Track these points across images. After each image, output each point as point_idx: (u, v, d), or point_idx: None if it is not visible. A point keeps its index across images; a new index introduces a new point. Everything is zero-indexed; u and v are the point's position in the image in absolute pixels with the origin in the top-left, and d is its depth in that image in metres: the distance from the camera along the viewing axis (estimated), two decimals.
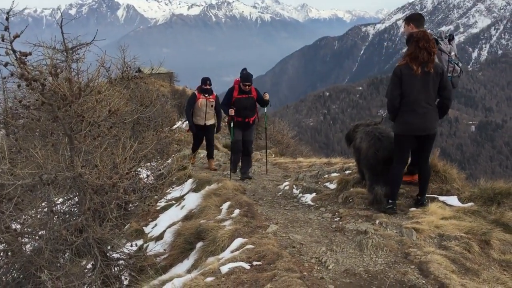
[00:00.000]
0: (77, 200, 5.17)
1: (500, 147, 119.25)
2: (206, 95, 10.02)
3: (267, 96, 8.95)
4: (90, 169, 4.58)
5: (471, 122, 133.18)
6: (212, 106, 10.11)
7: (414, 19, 6.16)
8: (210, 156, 10.86)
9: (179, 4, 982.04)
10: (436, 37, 5.88)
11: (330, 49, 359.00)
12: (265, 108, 9.33)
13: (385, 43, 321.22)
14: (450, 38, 6.00)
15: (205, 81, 10.07)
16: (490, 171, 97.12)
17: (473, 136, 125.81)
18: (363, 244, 4.39)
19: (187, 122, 11.47)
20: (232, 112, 8.66)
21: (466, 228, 4.61)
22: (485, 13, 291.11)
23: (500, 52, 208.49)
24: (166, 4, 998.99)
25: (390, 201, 5.53)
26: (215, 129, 10.47)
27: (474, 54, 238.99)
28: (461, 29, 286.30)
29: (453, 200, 5.62)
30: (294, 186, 7.97)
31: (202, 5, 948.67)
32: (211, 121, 10.25)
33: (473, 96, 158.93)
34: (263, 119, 9.90)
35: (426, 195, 5.70)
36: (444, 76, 5.34)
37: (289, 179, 9.03)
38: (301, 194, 7.40)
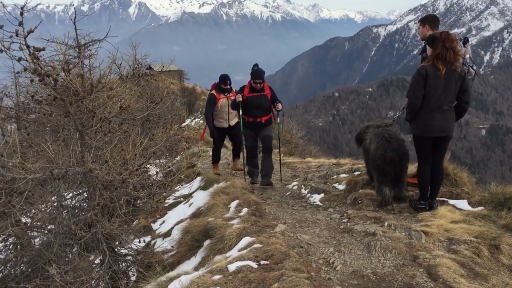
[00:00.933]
0: (86, 195, 5.20)
1: (511, 152, 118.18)
2: (227, 94, 8.96)
3: (279, 107, 7.98)
4: (100, 164, 4.61)
5: (481, 126, 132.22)
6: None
7: (430, 20, 6.17)
8: (236, 155, 9.98)
9: (191, 2, 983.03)
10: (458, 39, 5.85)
11: (341, 49, 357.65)
12: (278, 118, 8.31)
13: (396, 45, 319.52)
14: (465, 41, 5.97)
15: (225, 80, 8.95)
16: (500, 176, 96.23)
17: (484, 140, 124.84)
18: (371, 246, 4.38)
19: (204, 124, 10.50)
20: (239, 97, 7.95)
21: (476, 232, 4.57)
22: (498, 16, 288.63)
23: None
24: (178, 2, 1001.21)
25: (422, 201, 5.62)
26: (239, 128, 8.95)
27: (486, 57, 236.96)
28: (474, 32, 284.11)
29: (463, 204, 5.58)
30: (302, 186, 7.96)
31: (214, 4, 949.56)
32: (235, 121, 9.20)
33: (484, 99, 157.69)
34: (276, 126, 8.75)
35: (436, 198, 5.68)
36: (465, 79, 5.35)
37: (298, 179, 9.02)
38: (309, 194, 7.39)
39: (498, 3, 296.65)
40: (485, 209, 5.32)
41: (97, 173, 4.38)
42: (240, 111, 8.13)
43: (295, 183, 8.56)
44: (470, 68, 5.93)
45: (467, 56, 5.95)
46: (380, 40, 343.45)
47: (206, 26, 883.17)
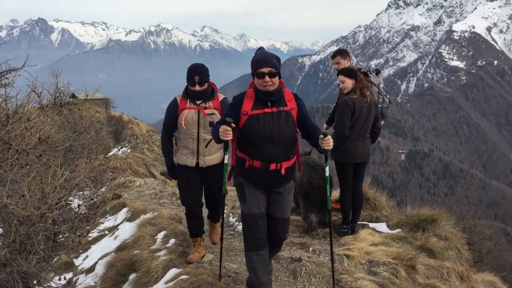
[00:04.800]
0: (1, 232, 4.90)
1: (427, 175, 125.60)
2: (200, 103, 4.84)
3: (329, 142, 3.82)
4: (16, 199, 4.38)
5: (401, 151, 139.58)
6: (212, 122, 4.78)
7: (347, 53, 6.56)
8: (214, 218, 5.56)
9: (117, 29, 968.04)
10: (366, 71, 6.23)
11: None
12: (326, 165, 4.46)
13: (321, 74, 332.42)
14: (377, 72, 6.39)
15: (192, 74, 4.76)
16: (419, 198, 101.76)
17: (403, 164, 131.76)
18: (297, 271, 4.48)
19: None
20: (226, 134, 3.82)
21: (394, 254, 4.82)
22: (412, 48, 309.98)
23: (426, 85, 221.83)
24: (103, 29, 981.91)
25: (344, 226, 5.82)
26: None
27: (403, 87, 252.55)
28: (391, 63, 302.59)
29: (382, 227, 5.88)
30: (230, 214, 7.97)
31: (141, 32, 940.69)
32: (214, 158, 4.93)
33: (403, 126, 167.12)
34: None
35: (358, 222, 5.93)
36: (377, 108, 5.74)
37: (226, 207, 9.02)
38: (237, 223, 7.42)
39: (412, 36, 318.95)
40: (402, 231, 5.64)
41: (13, 208, 4.16)
42: (229, 147, 4.23)
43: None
44: (384, 97, 6.35)
45: (381, 86, 6.37)
46: (306, 69, 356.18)
47: (133, 54, 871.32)
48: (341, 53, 6.53)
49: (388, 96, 6.42)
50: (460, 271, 4.72)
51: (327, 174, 4.38)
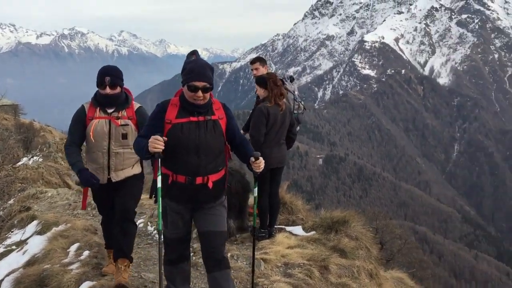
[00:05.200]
0: None
1: (343, 179, 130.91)
2: (111, 111, 4.39)
3: (260, 164, 3.76)
4: None
5: (319, 156, 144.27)
6: (126, 134, 4.39)
7: (266, 62, 6.73)
8: (119, 253, 4.51)
9: (26, 32, 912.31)
10: (281, 78, 6.42)
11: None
12: (255, 187, 4.18)
13: (241, 81, 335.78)
14: (292, 79, 6.63)
15: (103, 76, 4.31)
16: (336, 201, 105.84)
17: (321, 169, 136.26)
18: None
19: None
20: (157, 144, 3.42)
21: (308, 256, 5.01)
22: (327, 57, 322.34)
23: (341, 92, 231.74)
24: (11, 31, 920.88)
25: (262, 230, 5.89)
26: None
27: (320, 94, 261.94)
28: (308, 71, 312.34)
29: (298, 230, 6.07)
30: (149, 223, 7.83)
31: (53, 35, 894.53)
32: (127, 171, 4.51)
33: (320, 131, 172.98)
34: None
35: (275, 226, 6.08)
36: (292, 114, 5.93)
37: (144, 216, 8.84)
38: (155, 232, 7.30)
39: (327, 45, 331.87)
40: (316, 233, 5.87)
41: None
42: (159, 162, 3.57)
43: (141, 220, 8.38)
44: (300, 103, 6.58)
45: (296, 93, 6.61)
46: (226, 76, 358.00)
47: (46, 58, 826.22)
48: (260, 60, 6.70)
49: (303, 103, 6.67)
50: (369, 269, 5.01)
51: (255, 194, 4.16)
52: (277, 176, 5.99)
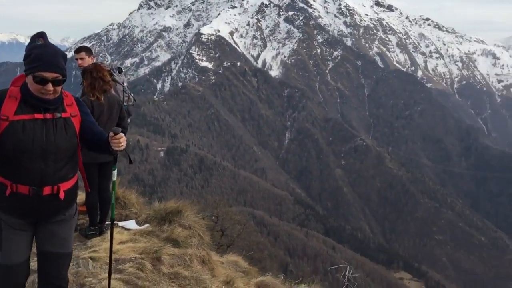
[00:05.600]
0: None
1: (185, 170, 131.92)
2: None
3: (121, 141, 3.06)
4: None
5: (160, 148, 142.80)
6: None
7: (92, 53, 6.39)
8: None
9: None
10: (109, 69, 6.17)
11: (12, 75, 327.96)
12: (114, 169, 3.60)
13: (74, 72, 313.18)
14: (120, 70, 6.42)
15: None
16: (179, 192, 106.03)
17: (163, 161, 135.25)
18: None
19: None
20: None
21: (141, 249, 4.92)
22: (165, 49, 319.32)
23: (180, 84, 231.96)
24: None
25: (92, 228, 5.62)
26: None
27: (159, 85, 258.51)
28: (146, 62, 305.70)
29: (131, 224, 5.93)
30: None
31: None
32: None
33: (160, 124, 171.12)
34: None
35: (106, 222, 5.85)
36: (122, 107, 5.71)
37: None
38: None
39: (165, 37, 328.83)
40: (150, 225, 5.80)
41: None
42: None
43: None
44: (129, 95, 6.42)
45: (125, 84, 6.42)
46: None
47: None
48: (87, 49, 6.40)
49: (132, 94, 6.52)
50: (202, 256, 5.13)
51: (114, 178, 3.60)
52: (106, 170, 5.76)
